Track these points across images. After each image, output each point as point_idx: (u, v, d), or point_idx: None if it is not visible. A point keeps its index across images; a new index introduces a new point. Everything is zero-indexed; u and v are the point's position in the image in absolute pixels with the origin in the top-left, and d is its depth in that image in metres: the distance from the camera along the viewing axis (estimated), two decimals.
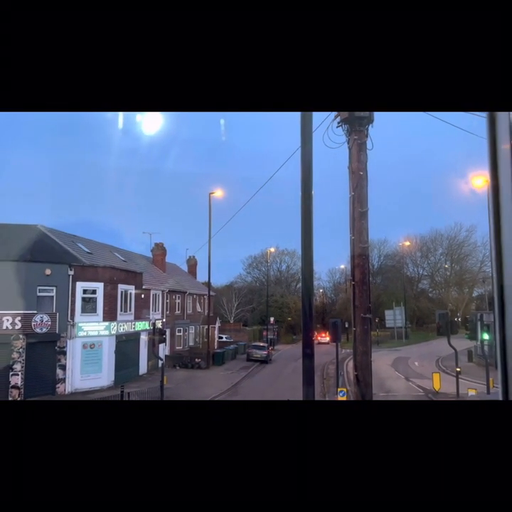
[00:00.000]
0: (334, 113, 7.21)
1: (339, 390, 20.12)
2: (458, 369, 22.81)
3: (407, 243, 70.07)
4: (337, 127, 7.13)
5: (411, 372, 31.90)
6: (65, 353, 23.97)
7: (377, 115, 7.09)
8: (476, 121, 8.89)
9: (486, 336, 23.18)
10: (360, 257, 6.83)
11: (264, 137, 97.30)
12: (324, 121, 7.35)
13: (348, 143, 7.03)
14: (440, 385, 23.41)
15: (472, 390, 19.07)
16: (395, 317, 58.37)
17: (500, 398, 2.26)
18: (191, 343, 40.98)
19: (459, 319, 51.23)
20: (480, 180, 32.75)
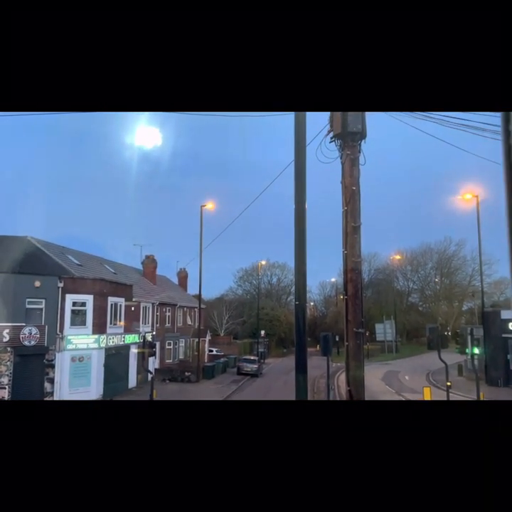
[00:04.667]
0: (327, 128, 7.26)
1: None
2: (448, 383, 22.81)
3: (398, 257, 70.39)
4: (330, 142, 7.17)
5: (402, 386, 31.85)
6: (53, 366, 23.67)
7: (370, 131, 7.14)
8: (467, 137, 8.99)
9: (476, 351, 23.23)
10: (352, 271, 6.83)
11: (257, 151, 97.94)
12: (317, 136, 7.39)
13: (340, 158, 7.07)
14: (431, 399, 23.37)
15: None
16: (385, 331, 58.38)
17: None
18: (181, 356, 40.68)
19: (449, 333, 51.36)
20: (469, 196, 33.14)
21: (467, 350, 23.77)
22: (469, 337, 23.30)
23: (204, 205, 35.00)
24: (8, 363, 22.15)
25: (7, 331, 22.05)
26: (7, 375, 22.08)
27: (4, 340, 22.00)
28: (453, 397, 22.74)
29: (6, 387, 21.99)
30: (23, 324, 22.64)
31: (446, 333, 46.91)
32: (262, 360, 45.50)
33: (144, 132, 8.59)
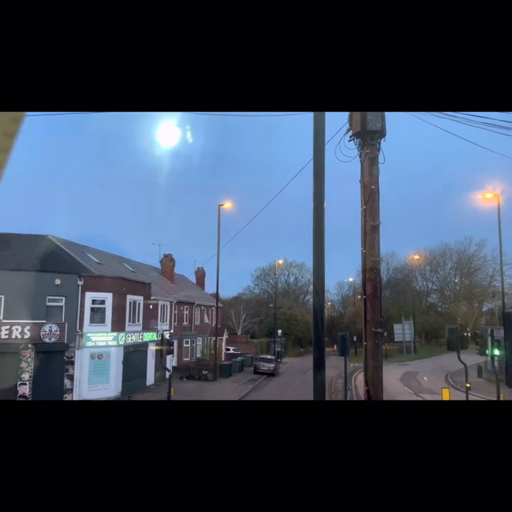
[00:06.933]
0: (346, 127, 7.23)
1: None
2: (468, 384, 22.53)
3: (416, 257, 69.67)
4: (349, 141, 7.14)
5: (420, 387, 31.57)
6: (73, 363, 23.99)
7: (390, 129, 7.09)
8: (489, 135, 8.88)
9: (496, 352, 22.89)
10: (371, 270, 6.79)
11: (275, 149, 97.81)
12: (336, 134, 7.37)
13: (360, 157, 7.04)
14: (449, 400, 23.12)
15: None
16: (403, 331, 57.89)
17: None
18: (199, 355, 40.87)
19: (469, 334, 50.72)
20: (490, 195, 32.68)
21: (487, 352, 23.40)
22: (489, 338, 22.94)
23: (222, 205, 35.08)
24: (29, 359, 22.51)
25: (28, 328, 22.41)
26: (28, 371, 22.44)
27: (25, 337, 22.36)
28: (472, 398, 22.46)
29: (27, 383, 22.35)
30: (44, 322, 22.99)
31: (465, 334, 46.24)
32: (279, 360, 45.47)
33: (162, 132, 8.67)
